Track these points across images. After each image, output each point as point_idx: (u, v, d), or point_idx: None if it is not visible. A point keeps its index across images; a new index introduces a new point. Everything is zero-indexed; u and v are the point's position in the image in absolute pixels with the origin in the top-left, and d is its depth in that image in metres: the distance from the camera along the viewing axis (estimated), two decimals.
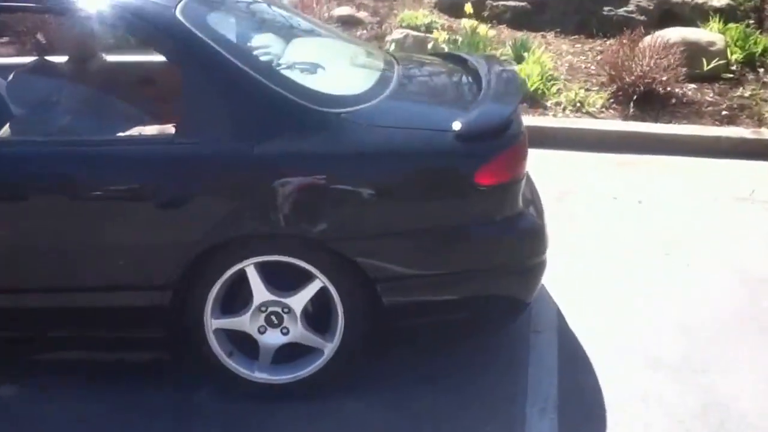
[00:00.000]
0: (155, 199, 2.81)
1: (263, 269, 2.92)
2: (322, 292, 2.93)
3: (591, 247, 4.33)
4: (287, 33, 3.42)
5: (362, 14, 7.13)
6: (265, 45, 3.17)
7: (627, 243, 4.38)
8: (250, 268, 2.89)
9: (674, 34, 6.70)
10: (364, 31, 7.01)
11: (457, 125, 2.89)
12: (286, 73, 3.00)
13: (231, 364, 3.02)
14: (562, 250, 4.18)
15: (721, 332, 3.58)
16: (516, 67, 3.82)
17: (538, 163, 5.26)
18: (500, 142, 2.95)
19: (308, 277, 2.92)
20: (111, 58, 3.79)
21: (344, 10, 7.13)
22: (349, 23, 6.99)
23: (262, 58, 3.04)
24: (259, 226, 2.85)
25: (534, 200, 3.34)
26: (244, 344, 3.04)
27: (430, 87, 3.51)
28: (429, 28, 6.88)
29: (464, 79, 3.51)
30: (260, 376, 3.03)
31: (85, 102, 3.18)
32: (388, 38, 6.73)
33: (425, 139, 2.91)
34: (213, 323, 2.96)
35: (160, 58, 3.14)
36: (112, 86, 3.27)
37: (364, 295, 2.93)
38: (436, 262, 2.96)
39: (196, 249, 2.82)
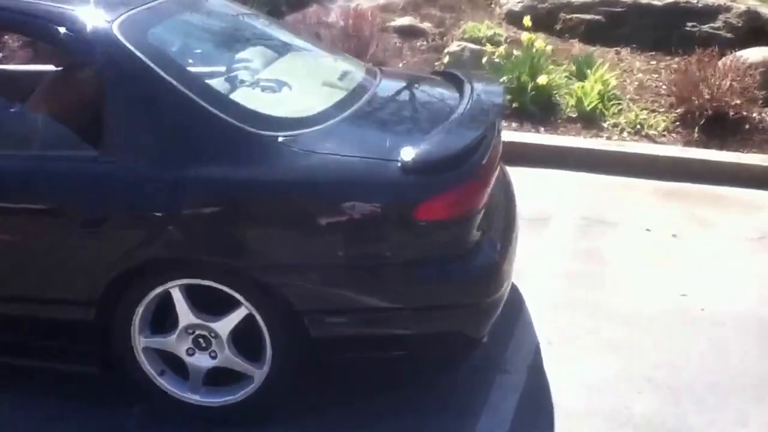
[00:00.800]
0: (76, 217, 2.81)
1: (191, 292, 2.86)
2: (251, 318, 2.85)
3: (599, 279, 4.04)
4: (253, 48, 3.36)
5: (425, 25, 6.98)
6: (219, 62, 3.12)
7: (642, 278, 4.05)
8: (175, 290, 2.85)
9: (756, 54, 6.18)
10: (424, 42, 6.87)
11: (402, 156, 2.74)
12: (228, 92, 2.94)
13: (162, 383, 2.98)
14: (570, 279, 3.96)
15: (708, 394, 3.24)
16: (502, 88, 3.53)
17: (576, 188, 5.06)
18: (449, 177, 2.77)
19: (235, 304, 2.84)
20: (36, 68, 3.80)
21: (406, 21, 7.01)
22: (408, 34, 6.86)
23: (206, 76, 2.98)
24: (182, 250, 2.80)
25: (499, 230, 3.14)
26: (180, 365, 3.00)
27: (398, 110, 3.34)
28: (491, 41, 6.65)
29: (442, 102, 3.34)
30: (192, 397, 2.98)
31: (9, 115, 3.21)
32: (446, 50, 6.56)
33: (364, 169, 2.76)
34: (142, 341, 2.93)
35: (87, 71, 3.14)
36: (36, 100, 3.29)
37: (292, 325, 2.83)
38: (369, 298, 2.82)
39: (117, 268, 2.80)
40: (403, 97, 3.43)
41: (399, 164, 2.72)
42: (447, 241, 2.81)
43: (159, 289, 2.85)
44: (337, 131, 2.90)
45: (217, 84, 2.97)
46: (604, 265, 4.19)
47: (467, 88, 3.34)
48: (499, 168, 3.30)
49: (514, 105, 5.93)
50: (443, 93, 3.44)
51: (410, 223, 2.73)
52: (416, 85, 3.59)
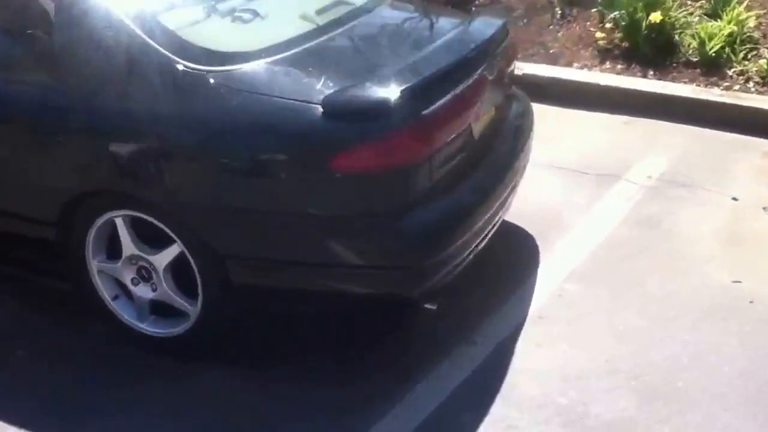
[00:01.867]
0: (36, 139, 2.91)
1: (137, 225, 2.88)
2: (185, 256, 2.83)
3: (647, 252, 3.63)
4: None
5: None
6: None
7: (699, 256, 3.57)
8: (118, 219, 2.89)
9: None
10: None
11: (325, 99, 2.56)
12: (171, 21, 2.81)
13: (114, 308, 3.06)
14: (610, 248, 3.63)
15: (694, 406, 2.82)
16: (500, 23, 3.22)
17: (672, 143, 4.50)
18: (373, 125, 2.56)
19: (170, 240, 2.83)
20: None
21: None
22: None
23: (167, 8, 2.89)
24: (117, 181, 2.81)
25: (473, 186, 2.93)
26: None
27: (362, 47, 3.08)
28: None
29: (423, 40, 3.12)
30: (139, 325, 3.04)
31: None
32: None
33: (285, 112, 2.61)
34: (96, 265, 3.02)
35: None
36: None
37: (218, 268, 2.78)
38: (287, 250, 2.71)
39: (66, 193, 2.88)
40: (380, 33, 3.18)
41: (320, 109, 2.54)
42: (371, 197, 2.61)
43: (105, 217, 2.90)
44: (277, 68, 2.75)
45: (174, 16, 2.87)
46: (660, 236, 3.75)
47: (464, 23, 3.09)
48: (495, 111, 3.10)
49: (624, 44, 5.35)
50: (437, 30, 3.18)
51: (326, 175, 2.56)
52: (411, 20, 3.32)
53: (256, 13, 3.01)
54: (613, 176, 4.22)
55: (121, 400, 2.87)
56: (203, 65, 2.70)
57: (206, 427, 2.78)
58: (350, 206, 2.61)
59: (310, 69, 2.77)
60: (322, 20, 3.05)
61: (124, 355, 3.05)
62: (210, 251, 2.75)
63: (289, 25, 3.00)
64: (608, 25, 5.50)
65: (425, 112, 2.63)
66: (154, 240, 2.89)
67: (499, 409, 2.80)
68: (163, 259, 2.88)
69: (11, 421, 2.78)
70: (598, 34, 5.49)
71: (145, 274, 2.96)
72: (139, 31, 2.73)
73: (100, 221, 2.91)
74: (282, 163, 2.63)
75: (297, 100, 2.61)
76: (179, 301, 2.93)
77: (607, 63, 5.35)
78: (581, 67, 5.36)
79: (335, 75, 2.75)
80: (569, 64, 5.41)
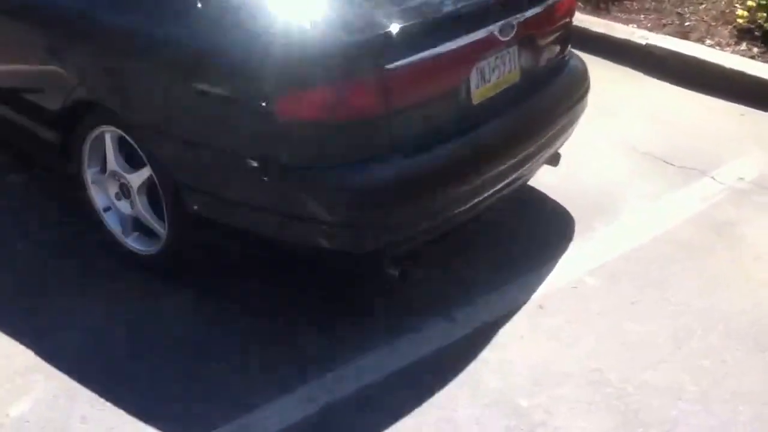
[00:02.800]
0: (39, 44, 2.95)
1: (122, 142, 2.87)
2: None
3: (709, 258, 3.17)
4: None
5: None
6: None
7: (760, 288, 3.03)
8: (106, 135, 2.88)
9: None
10: None
11: (283, 37, 2.37)
12: None
13: (105, 218, 3.05)
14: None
15: None
16: None
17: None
18: (327, 72, 2.36)
19: (143, 162, 2.80)
20: None
21: None
22: None
23: None
24: (106, 96, 2.81)
25: (456, 153, 2.63)
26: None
27: None
28: None
29: None
30: (124, 240, 3.03)
31: None
32: None
33: (246, 47, 2.43)
34: (90, 175, 3.02)
35: None
36: None
37: (178, 193, 2.72)
38: (231, 187, 2.60)
39: (62, 102, 2.90)
40: None
41: (272, 47, 2.36)
42: (315, 148, 2.42)
43: (97, 131, 2.90)
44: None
45: None
46: (726, 244, 3.26)
47: None
48: (520, 76, 2.82)
49: (766, 25, 4.66)
50: None
51: (270, 117, 2.38)
52: None
53: None
54: (697, 171, 3.70)
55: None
56: None
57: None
58: (291, 154, 2.43)
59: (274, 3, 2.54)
60: None
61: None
62: (171, 178, 2.70)
63: None
64: (751, 3, 4.81)
65: (389, 66, 2.37)
66: (132, 160, 2.86)
67: (444, 395, 2.54)
68: (136, 179, 2.85)
69: None
70: (740, 11, 4.83)
71: (125, 191, 2.94)
72: None
73: (94, 133, 2.91)
74: (231, 100, 2.48)
75: (262, 35, 2.42)
76: (151, 222, 2.89)
77: (744, 44, 4.69)
78: (713, 45, 4.74)
79: (299, 12, 2.49)
80: (700, 40, 4.80)
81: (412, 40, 2.41)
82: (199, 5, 2.50)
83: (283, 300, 2.89)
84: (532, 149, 2.86)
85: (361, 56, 2.33)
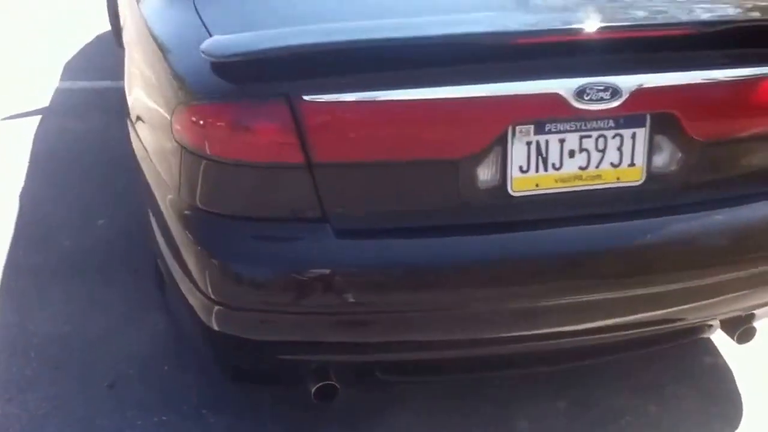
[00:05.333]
0: None
1: None
2: None
3: None
4: None
5: None
6: None
7: None
8: None
9: None
10: None
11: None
12: None
13: None
14: None
15: None
16: None
17: None
18: (225, 90, 1.75)
19: None
20: None
21: None
22: None
23: None
24: None
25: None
26: None
27: None
28: None
29: None
30: None
31: None
32: None
33: (179, 44, 1.95)
34: None
35: None
36: None
37: None
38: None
39: None
40: None
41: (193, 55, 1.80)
42: (197, 182, 1.80)
43: None
44: None
45: None
46: None
47: None
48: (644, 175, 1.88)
49: None
50: None
51: (168, 128, 1.84)
52: None
53: None
54: None
55: None
56: None
57: None
58: (183, 180, 1.84)
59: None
60: None
61: None
62: None
63: None
64: None
65: (307, 97, 1.71)
66: None
67: None
68: None
69: None
70: None
71: None
72: None
73: None
74: (155, 98, 2.00)
75: (197, 34, 1.86)
76: None
77: None
78: None
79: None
80: None
81: (364, 69, 1.74)
82: None
83: None
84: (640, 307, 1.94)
85: (267, 74, 1.73)
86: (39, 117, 3.87)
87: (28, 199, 3.20)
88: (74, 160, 3.47)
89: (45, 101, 4.05)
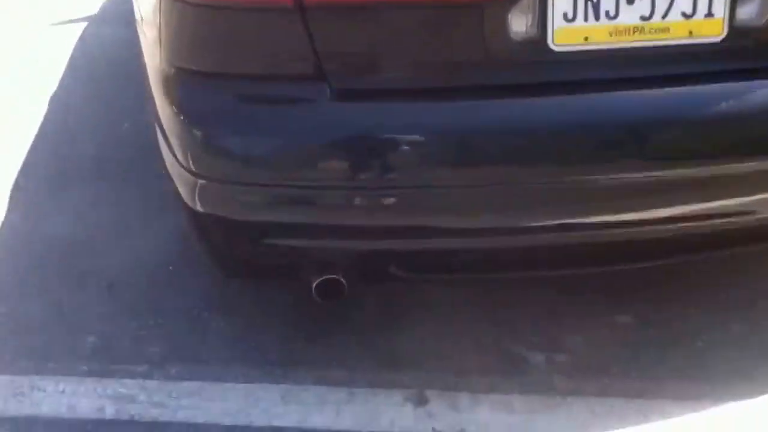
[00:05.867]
0: None
1: None
2: None
3: None
4: None
5: None
6: None
7: None
8: None
9: None
10: None
11: None
12: None
13: None
14: None
15: None
16: None
17: None
18: None
19: None
20: None
21: None
22: None
23: None
24: None
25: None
26: None
27: None
28: None
29: None
30: None
31: None
32: None
33: None
34: None
35: None
36: None
37: None
38: None
39: None
40: None
41: None
42: (177, 30, 1.54)
43: None
44: None
45: None
46: None
47: None
48: None
49: None
50: None
51: None
52: None
53: None
54: None
55: None
56: None
57: None
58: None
59: None
60: None
61: None
62: None
63: None
64: None
65: None
66: None
67: None
68: None
69: None
70: None
71: None
72: None
73: None
74: None
75: None
76: None
77: None
78: None
79: None
80: None
81: None
82: None
83: None
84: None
85: None
86: (84, 24, 3.72)
87: (57, 103, 3.03)
88: (111, 65, 3.28)
89: (93, 9, 3.89)
